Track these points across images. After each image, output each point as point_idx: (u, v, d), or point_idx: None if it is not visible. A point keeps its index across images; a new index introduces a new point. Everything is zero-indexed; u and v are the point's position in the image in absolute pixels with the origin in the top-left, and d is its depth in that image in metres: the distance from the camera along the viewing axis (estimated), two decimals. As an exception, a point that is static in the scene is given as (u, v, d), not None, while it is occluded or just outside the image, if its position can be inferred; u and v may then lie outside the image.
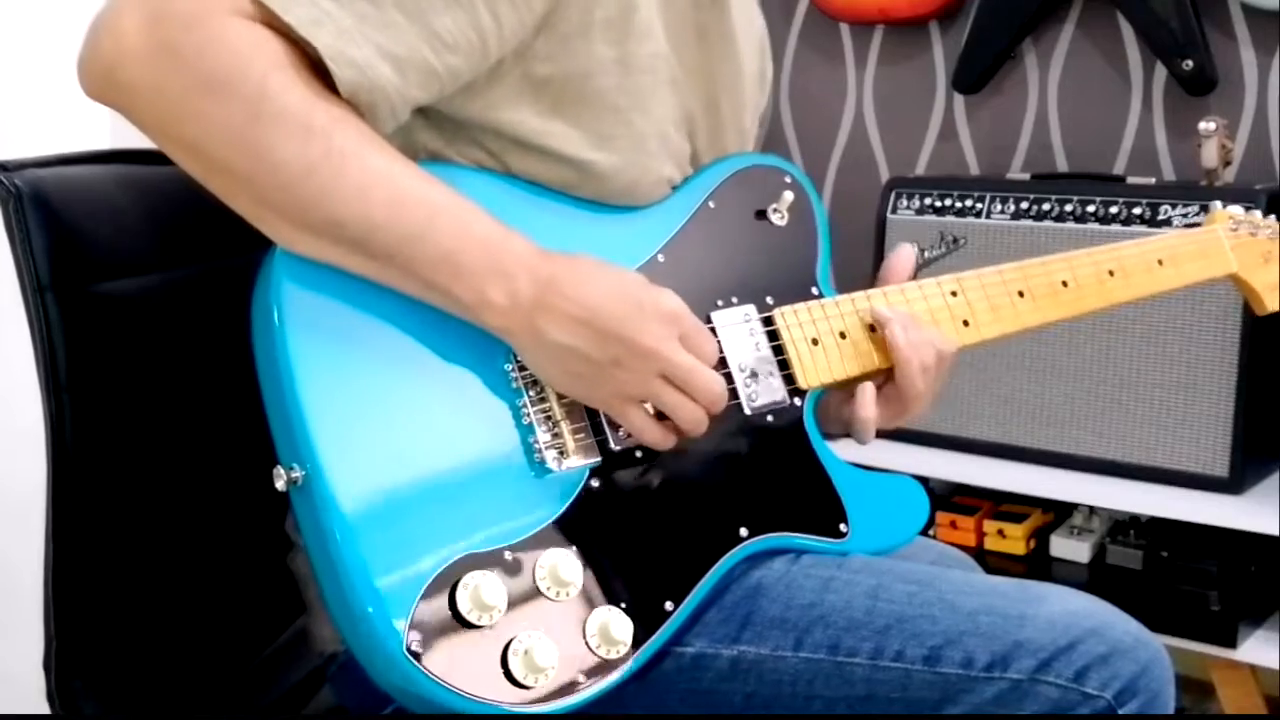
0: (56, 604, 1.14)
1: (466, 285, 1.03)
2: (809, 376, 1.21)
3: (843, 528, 1.20)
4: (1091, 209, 2.25)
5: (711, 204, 1.23)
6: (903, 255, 1.32)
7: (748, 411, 1.18)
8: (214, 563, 1.20)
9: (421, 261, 1.02)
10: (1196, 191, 2.21)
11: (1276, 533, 2.04)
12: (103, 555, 1.15)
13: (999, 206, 2.35)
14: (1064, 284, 1.33)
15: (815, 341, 1.22)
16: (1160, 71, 2.47)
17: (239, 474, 1.03)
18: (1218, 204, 1.52)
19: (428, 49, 1.03)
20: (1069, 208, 2.28)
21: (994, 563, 2.38)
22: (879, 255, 2.45)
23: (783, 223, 1.26)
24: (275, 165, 0.99)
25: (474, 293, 1.03)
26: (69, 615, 1.14)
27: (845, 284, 1.28)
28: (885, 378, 1.24)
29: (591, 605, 1.05)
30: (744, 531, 1.15)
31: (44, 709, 1.16)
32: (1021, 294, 1.31)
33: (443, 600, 1.00)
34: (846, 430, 1.26)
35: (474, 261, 1.03)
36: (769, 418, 1.19)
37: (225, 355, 1.05)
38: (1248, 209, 1.51)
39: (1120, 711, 1.07)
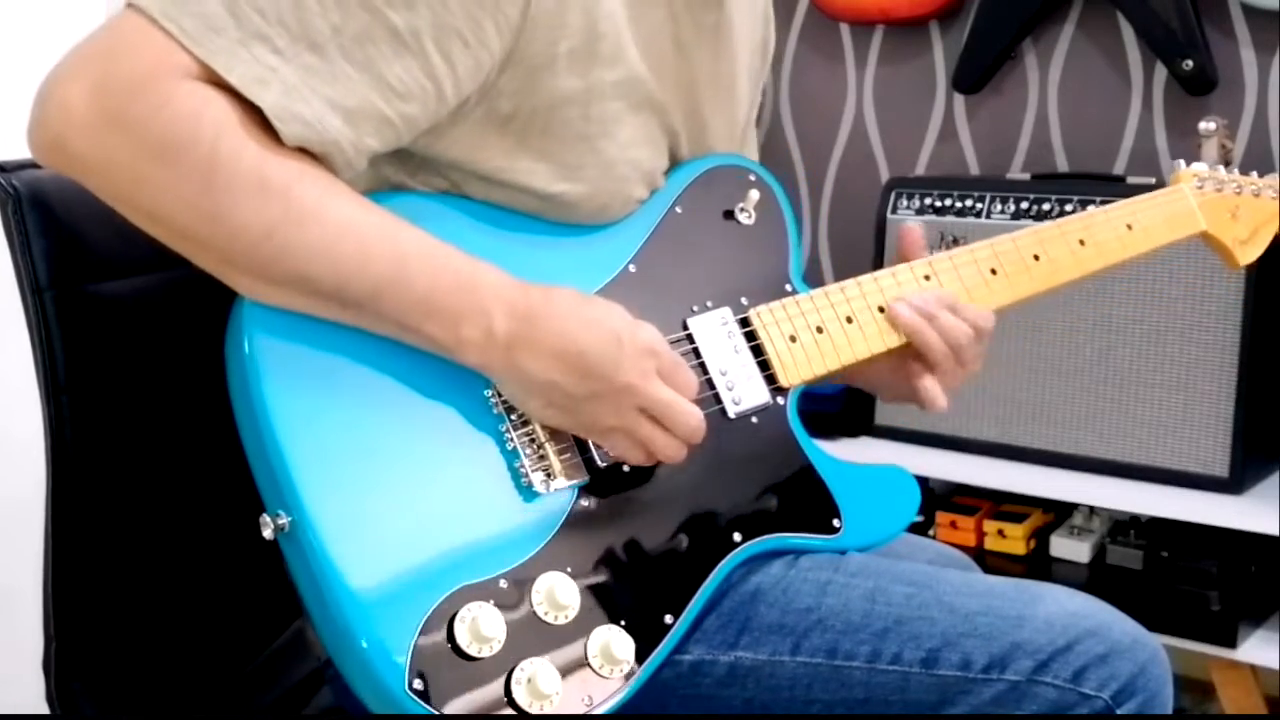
0: (56, 605, 1.14)
1: (441, 326, 1.03)
2: (789, 374, 1.20)
3: (836, 523, 1.19)
4: (1092, 209, 2.24)
5: (679, 209, 1.22)
6: (911, 233, 1.31)
7: (731, 416, 1.17)
8: (213, 564, 1.20)
9: (394, 307, 1.02)
10: (1196, 191, 2.21)
11: (1276, 533, 2.04)
12: (102, 556, 1.15)
13: (999, 206, 2.35)
14: (1035, 258, 1.32)
15: (793, 339, 1.21)
16: (1160, 71, 2.47)
17: (238, 475, 1.03)
18: (1181, 162, 1.51)
19: (379, 99, 1.02)
20: (1069, 208, 2.27)
21: (994, 563, 2.38)
22: (879, 255, 2.45)
23: (751, 221, 1.26)
24: (235, 228, 0.98)
25: (449, 332, 1.03)
26: (68, 616, 1.14)
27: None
28: (915, 357, 1.25)
29: (591, 626, 1.05)
30: (738, 536, 1.14)
31: (44, 710, 1.16)
32: (994, 271, 1.30)
33: (441, 635, 0.99)
34: (909, 398, 1.27)
35: (447, 302, 1.02)
36: (754, 420, 1.19)
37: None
38: (1212, 166, 1.50)
39: (1118, 711, 1.08)
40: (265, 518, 1.00)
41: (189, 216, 0.98)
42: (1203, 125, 2.22)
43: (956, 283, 1.28)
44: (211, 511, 1.18)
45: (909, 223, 1.33)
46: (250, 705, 1.24)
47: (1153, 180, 2.34)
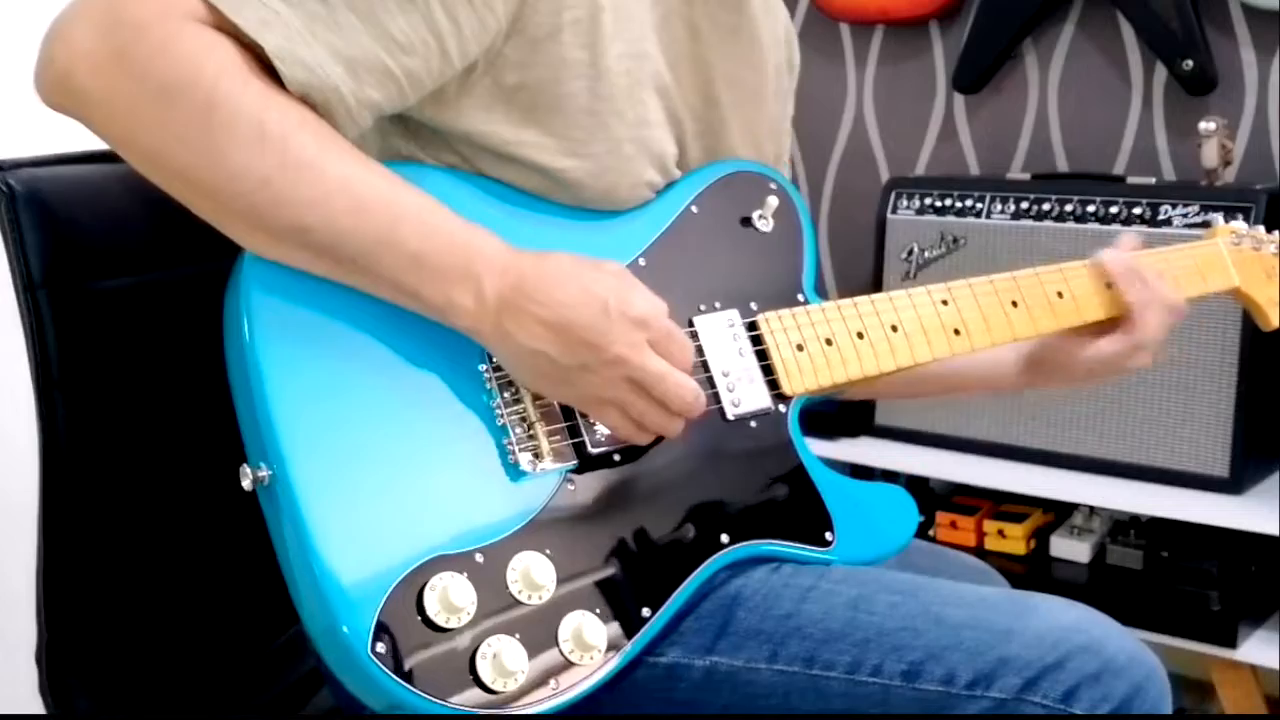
0: (48, 599, 1.14)
1: (433, 288, 1.02)
2: (793, 382, 1.19)
3: (828, 536, 1.18)
4: (1091, 209, 2.25)
5: (695, 209, 1.21)
6: (1127, 240, 1.37)
7: (730, 418, 1.16)
8: (209, 560, 1.20)
9: (388, 265, 1.01)
10: (1196, 191, 2.21)
11: (1276, 533, 2.04)
12: (95, 551, 1.15)
13: (999, 206, 2.35)
14: (1059, 295, 1.30)
15: (800, 347, 1.20)
16: (1160, 71, 2.47)
17: (233, 471, 1.03)
18: (1219, 218, 1.49)
19: (381, 50, 1.02)
20: (1069, 208, 2.27)
21: (994, 563, 2.34)
22: (879, 255, 2.45)
23: (768, 228, 1.25)
24: (231, 173, 0.98)
25: (441, 295, 1.02)
26: (62, 610, 1.14)
27: (846, 283, 1.27)
28: (1109, 326, 1.30)
29: (565, 609, 1.04)
30: (725, 538, 1.13)
31: (40, 705, 1.16)
32: (1015, 304, 1.29)
33: (410, 602, 0.98)
34: (1101, 371, 1.32)
35: (440, 264, 1.02)
36: (752, 424, 1.17)
37: (217, 353, 1.05)
38: (1248, 220, 1.48)
39: None
40: (245, 468, 1.00)
41: (186, 158, 0.98)
42: (1203, 125, 2.22)
43: (975, 310, 1.27)
44: (205, 507, 1.18)
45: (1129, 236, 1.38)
46: (249, 702, 1.24)
47: (1152, 180, 2.34)
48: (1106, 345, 1.31)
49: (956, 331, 1.26)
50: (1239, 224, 1.48)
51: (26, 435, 1.13)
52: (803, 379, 1.19)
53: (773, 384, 1.19)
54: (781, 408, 1.19)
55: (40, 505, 1.13)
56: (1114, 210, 2.24)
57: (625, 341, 1.03)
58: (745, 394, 1.17)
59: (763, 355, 1.19)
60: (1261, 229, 1.47)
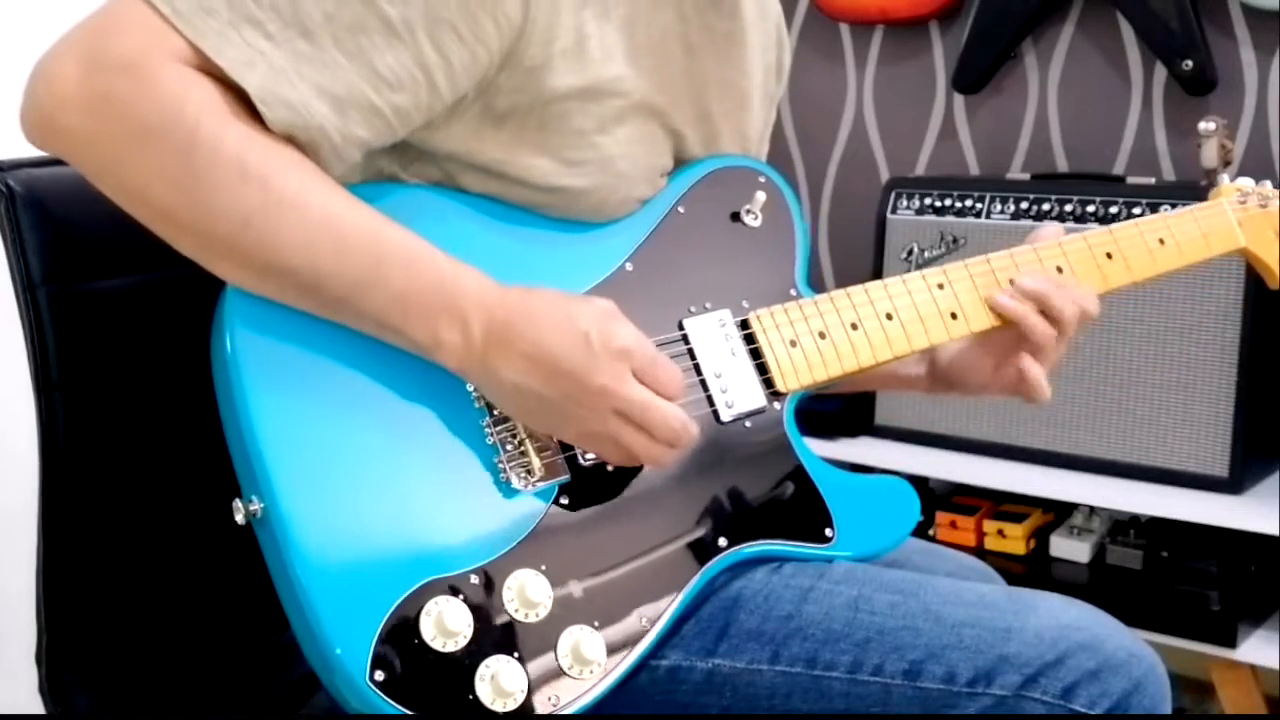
0: (48, 598, 1.14)
1: (419, 326, 1.02)
2: (788, 379, 1.18)
3: (828, 532, 1.17)
4: (1091, 209, 2.25)
5: (681, 209, 1.20)
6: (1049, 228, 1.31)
7: (725, 420, 1.15)
8: (205, 558, 1.20)
9: (372, 305, 1.01)
10: (1196, 191, 2.19)
11: (1276, 533, 2.04)
12: (95, 552, 1.15)
13: (999, 206, 2.35)
14: (1059, 270, 1.28)
15: (794, 343, 1.19)
16: (1160, 71, 2.47)
17: (228, 470, 1.03)
18: (1225, 178, 1.46)
19: (368, 87, 1.01)
20: (1069, 208, 2.27)
21: (994, 563, 2.34)
22: (879, 255, 2.45)
23: (757, 224, 1.24)
24: (213, 213, 0.98)
25: (427, 334, 1.02)
26: (61, 609, 1.14)
27: (845, 283, 1.26)
28: (1011, 339, 1.24)
29: (562, 625, 1.04)
30: (723, 542, 1.12)
31: (40, 708, 1.16)
32: (1013, 282, 1.26)
33: (406, 628, 0.99)
34: (1011, 391, 1.27)
35: (425, 303, 1.02)
36: (747, 424, 1.17)
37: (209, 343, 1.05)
38: (1258, 180, 1.45)
39: None
40: (238, 503, 1.01)
41: (168, 199, 0.98)
42: (1202, 125, 2.20)
43: (972, 293, 1.25)
44: (203, 506, 1.18)
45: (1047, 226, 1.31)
46: (250, 704, 1.24)
47: (1152, 180, 2.34)
48: (1000, 371, 1.28)
49: (954, 315, 1.24)
50: (1245, 181, 1.45)
51: (26, 435, 1.14)
52: (797, 375, 1.19)
53: (767, 382, 1.18)
54: (777, 405, 1.19)
55: (40, 505, 1.14)
56: (1114, 210, 2.24)
57: (609, 373, 1.03)
58: (739, 394, 1.16)
59: (756, 353, 1.18)
60: (1268, 184, 1.44)
